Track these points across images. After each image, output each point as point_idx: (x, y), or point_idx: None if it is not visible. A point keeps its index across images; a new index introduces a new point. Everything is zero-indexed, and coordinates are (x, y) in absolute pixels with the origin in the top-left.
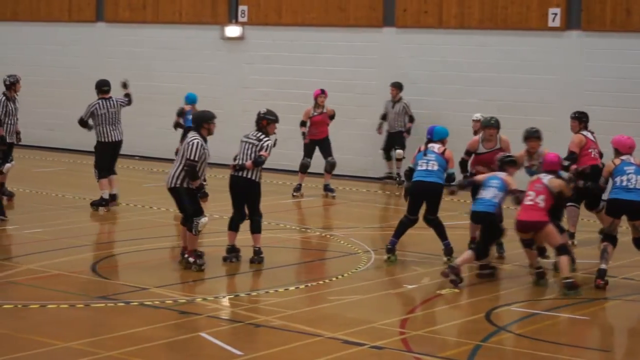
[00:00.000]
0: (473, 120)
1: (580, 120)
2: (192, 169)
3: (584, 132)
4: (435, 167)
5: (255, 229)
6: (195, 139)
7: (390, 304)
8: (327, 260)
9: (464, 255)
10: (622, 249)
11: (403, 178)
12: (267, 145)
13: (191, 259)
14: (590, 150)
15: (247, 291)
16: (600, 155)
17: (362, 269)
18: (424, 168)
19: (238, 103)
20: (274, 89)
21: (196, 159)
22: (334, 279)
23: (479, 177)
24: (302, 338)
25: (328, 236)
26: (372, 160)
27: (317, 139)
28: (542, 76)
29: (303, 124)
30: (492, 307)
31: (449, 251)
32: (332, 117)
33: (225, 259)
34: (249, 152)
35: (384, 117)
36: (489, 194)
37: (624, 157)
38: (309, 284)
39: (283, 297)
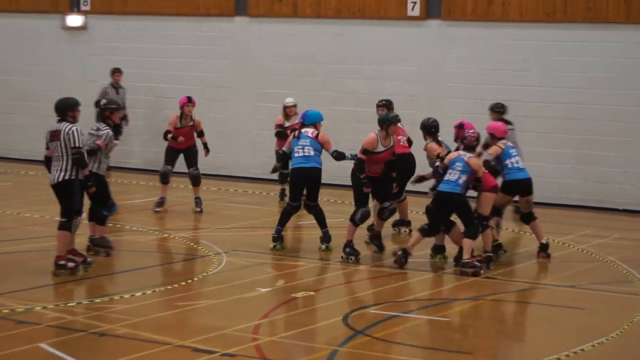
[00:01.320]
0: (287, 106)
1: (388, 107)
2: (80, 157)
3: None
4: (312, 152)
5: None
6: (73, 126)
7: (243, 309)
8: (175, 263)
9: (413, 238)
10: (480, 247)
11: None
12: (104, 134)
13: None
14: (399, 138)
15: (90, 298)
16: (410, 142)
17: (212, 272)
18: (300, 154)
19: (81, 98)
20: (121, 82)
21: (81, 145)
22: (182, 283)
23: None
24: (149, 347)
25: (177, 238)
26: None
27: (180, 148)
28: (402, 67)
29: (167, 132)
30: (350, 310)
31: (327, 238)
32: (200, 133)
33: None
34: (90, 143)
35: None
36: (454, 176)
37: (504, 142)
38: (156, 290)
39: (129, 304)
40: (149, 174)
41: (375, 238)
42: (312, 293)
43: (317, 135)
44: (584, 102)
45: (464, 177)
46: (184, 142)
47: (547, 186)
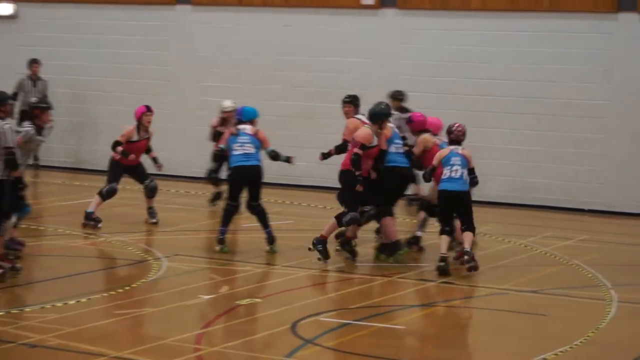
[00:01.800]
0: (225, 111)
1: (355, 104)
2: (13, 158)
3: (358, 116)
4: (252, 150)
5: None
6: (5, 124)
7: (184, 317)
8: (112, 269)
9: (466, 239)
10: (435, 250)
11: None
12: (25, 131)
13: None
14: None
15: (19, 307)
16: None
17: (152, 278)
18: (240, 152)
19: (10, 91)
20: (55, 75)
21: (14, 145)
22: (120, 290)
23: (435, 161)
24: (83, 359)
25: (114, 242)
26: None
27: (129, 165)
28: (355, 59)
29: (117, 144)
30: (299, 318)
31: (271, 239)
32: (148, 149)
33: None
34: None
35: None
36: (458, 172)
37: (452, 147)
38: (92, 297)
39: (62, 313)
40: (76, 173)
41: (346, 244)
42: (258, 300)
43: (256, 133)
44: (550, 96)
45: (465, 172)
46: (135, 159)
47: (510, 185)
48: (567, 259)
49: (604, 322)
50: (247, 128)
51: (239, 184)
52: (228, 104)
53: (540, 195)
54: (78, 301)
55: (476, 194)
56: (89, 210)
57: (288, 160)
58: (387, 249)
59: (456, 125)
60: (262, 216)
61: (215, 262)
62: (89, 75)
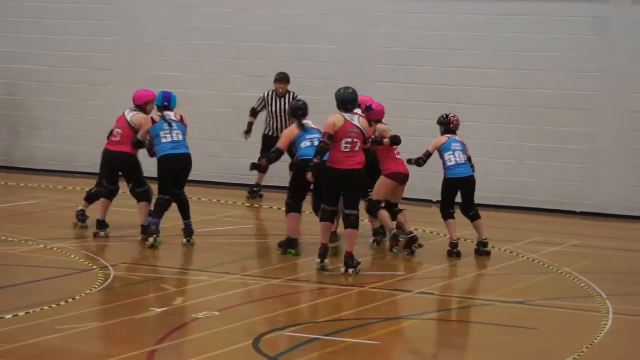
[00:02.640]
0: None
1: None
2: None
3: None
4: (181, 137)
5: None
6: None
7: (134, 333)
8: (53, 279)
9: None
10: (411, 257)
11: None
12: None
13: None
14: None
15: None
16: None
17: (98, 289)
18: (169, 140)
19: None
20: None
21: None
22: (62, 303)
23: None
24: None
25: (55, 249)
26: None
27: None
28: (321, 46)
29: (140, 144)
30: (262, 333)
31: (189, 232)
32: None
33: None
34: None
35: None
36: (462, 157)
37: (449, 135)
38: (31, 311)
39: None
40: (8, 172)
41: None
42: (216, 313)
43: (181, 119)
44: (538, 86)
45: (465, 157)
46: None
47: (490, 185)
48: (557, 266)
49: (599, 337)
50: (171, 114)
51: (169, 173)
52: None
53: (526, 196)
54: (15, 315)
55: None
56: (100, 218)
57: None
58: (284, 243)
59: (452, 115)
60: (184, 206)
61: (167, 271)
62: (28, 64)
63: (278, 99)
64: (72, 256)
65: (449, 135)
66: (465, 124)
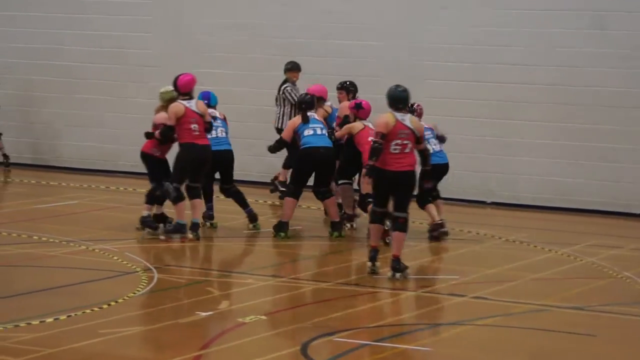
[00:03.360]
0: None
1: (348, 90)
2: None
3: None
4: (224, 134)
5: None
6: None
7: (179, 337)
8: (95, 282)
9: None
10: (465, 260)
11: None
12: None
13: None
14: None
15: None
16: None
17: (141, 293)
18: (213, 136)
19: None
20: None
21: None
22: (105, 306)
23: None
24: None
25: (96, 251)
26: None
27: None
28: (365, 42)
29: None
30: (310, 339)
31: (253, 217)
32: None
33: None
34: None
35: None
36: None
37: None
38: (73, 314)
39: (38, 332)
40: (35, 170)
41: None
42: (263, 317)
43: (224, 117)
44: (595, 83)
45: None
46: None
47: (544, 185)
48: (617, 270)
49: None
50: (216, 112)
51: (214, 167)
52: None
53: (580, 197)
54: (57, 319)
55: (505, 195)
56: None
57: None
58: (277, 225)
59: (417, 104)
60: (239, 196)
61: (213, 274)
62: (65, 60)
63: (295, 89)
64: (115, 258)
65: (423, 124)
66: (514, 122)
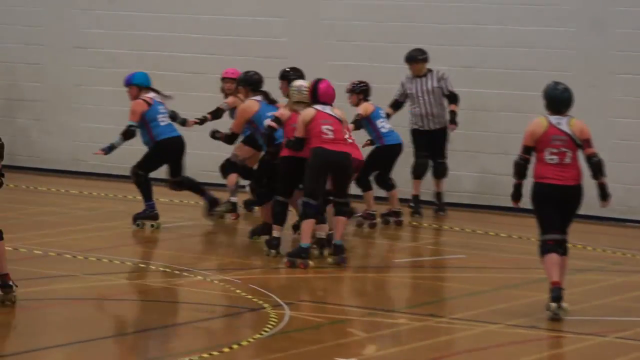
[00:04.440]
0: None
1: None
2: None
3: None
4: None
5: None
6: None
7: None
8: (215, 320)
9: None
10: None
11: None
12: None
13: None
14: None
15: None
16: None
17: (270, 333)
18: (166, 123)
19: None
20: None
21: None
22: (226, 349)
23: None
24: None
25: (216, 282)
26: None
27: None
28: None
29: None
30: None
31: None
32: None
33: None
34: None
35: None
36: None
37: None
38: (191, 358)
39: None
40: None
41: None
42: None
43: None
44: None
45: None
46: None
47: None
48: None
49: None
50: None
51: (168, 157)
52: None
53: None
54: None
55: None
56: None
57: (184, 122)
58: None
59: (365, 81)
60: (192, 184)
61: (354, 311)
62: (180, 50)
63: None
64: (237, 291)
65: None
66: None
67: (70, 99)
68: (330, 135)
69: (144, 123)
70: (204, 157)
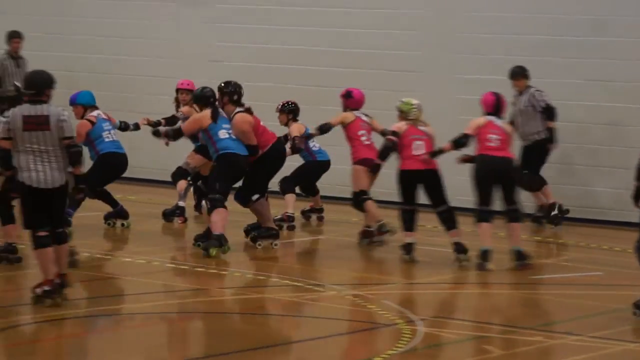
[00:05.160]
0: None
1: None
2: (80, 150)
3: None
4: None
5: None
6: (63, 110)
7: None
8: (346, 335)
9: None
10: None
11: None
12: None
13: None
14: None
15: None
16: None
17: (403, 350)
18: (111, 139)
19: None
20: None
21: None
22: None
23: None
24: None
25: (348, 297)
26: None
27: None
28: None
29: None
30: None
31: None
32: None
33: None
34: None
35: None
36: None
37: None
38: None
39: None
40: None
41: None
42: None
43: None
44: None
45: None
46: None
47: None
48: None
49: None
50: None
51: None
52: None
53: None
54: None
55: None
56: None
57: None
58: (204, 237)
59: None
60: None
61: (493, 328)
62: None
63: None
64: (370, 306)
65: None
66: None
67: None
68: (495, 144)
69: (89, 141)
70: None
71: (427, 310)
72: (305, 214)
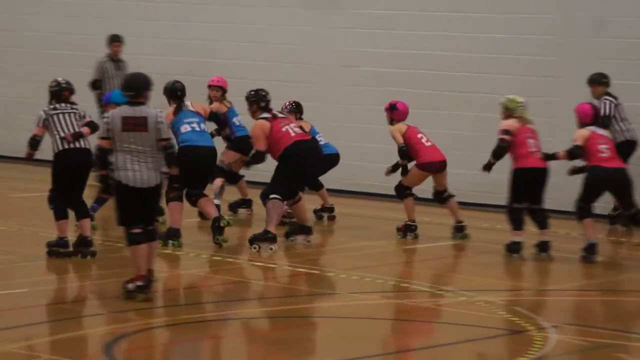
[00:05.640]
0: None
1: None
2: (175, 152)
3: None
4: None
5: None
6: (160, 111)
7: None
8: (475, 341)
9: None
10: None
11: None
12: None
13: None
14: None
15: None
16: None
17: (534, 357)
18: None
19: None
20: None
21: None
22: None
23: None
24: None
25: (479, 303)
26: None
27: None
28: None
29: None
30: None
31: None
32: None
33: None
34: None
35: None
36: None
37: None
38: None
39: None
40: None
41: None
42: None
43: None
44: None
45: None
46: None
47: None
48: None
49: None
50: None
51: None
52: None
53: None
54: None
55: None
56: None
57: None
58: (169, 233)
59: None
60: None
61: (625, 335)
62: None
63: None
64: (501, 312)
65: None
66: None
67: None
68: (606, 155)
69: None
70: None
71: (558, 317)
72: (317, 213)
